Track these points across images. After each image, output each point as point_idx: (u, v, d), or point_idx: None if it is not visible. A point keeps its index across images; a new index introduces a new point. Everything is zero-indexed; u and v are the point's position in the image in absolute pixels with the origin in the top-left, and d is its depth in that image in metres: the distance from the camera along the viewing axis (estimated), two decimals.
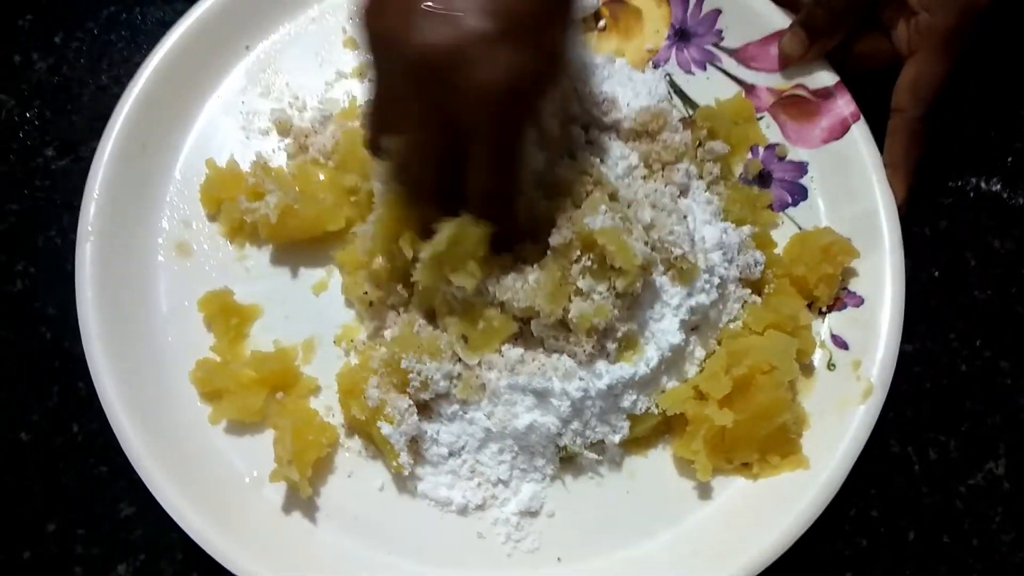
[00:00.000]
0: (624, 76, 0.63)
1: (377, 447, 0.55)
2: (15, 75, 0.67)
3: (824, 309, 0.60)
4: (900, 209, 0.60)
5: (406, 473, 0.54)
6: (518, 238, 0.53)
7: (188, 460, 0.54)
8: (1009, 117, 0.68)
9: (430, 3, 0.43)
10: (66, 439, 0.58)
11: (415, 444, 0.55)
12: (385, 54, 0.45)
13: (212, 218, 0.61)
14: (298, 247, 0.60)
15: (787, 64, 0.64)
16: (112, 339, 0.55)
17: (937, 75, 0.59)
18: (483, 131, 0.46)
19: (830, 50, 0.63)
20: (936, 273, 0.64)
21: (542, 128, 0.50)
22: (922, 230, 0.65)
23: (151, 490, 0.52)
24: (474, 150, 0.46)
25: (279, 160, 0.63)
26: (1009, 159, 0.67)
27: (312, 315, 0.59)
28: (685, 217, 0.57)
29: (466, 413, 0.55)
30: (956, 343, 0.63)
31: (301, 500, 0.54)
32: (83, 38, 0.68)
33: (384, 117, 0.49)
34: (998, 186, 0.66)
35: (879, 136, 0.62)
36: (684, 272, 0.55)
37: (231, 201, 0.59)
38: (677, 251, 0.54)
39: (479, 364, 0.54)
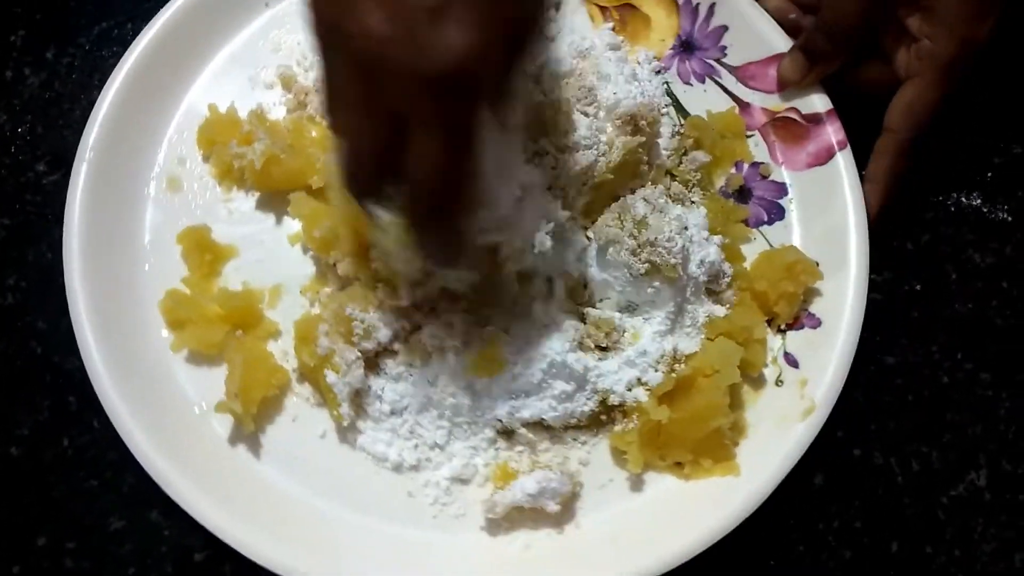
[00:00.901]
0: (629, 69, 0.64)
1: (322, 395, 0.57)
2: (7, 90, 0.67)
3: (783, 327, 0.61)
4: (870, 222, 0.61)
5: (345, 424, 0.56)
6: (464, 257, 0.48)
7: (144, 382, 0.57)
8: (990, 132, 0.69)
9: None
10: (56, 453, 0.59)
11: (358, 398, 0.57)
12: (326, 39, 0.41)
13: (206, 159, 0.64)
14: (282, 197, 0.61)
15: (784, 87, 0.65)
16: (92, 258, 0.58)
17: (932, 100, 0.60)
18: (426, 122, 0.40)
19: (829, 75, 0.64)
20: (918, 287, 0.65)
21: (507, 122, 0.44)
22: (904, 244, 0.66)
23: (103, 405, 0.55)
24: (415, 146, 0.40)
25: (278, 113, 0.65)
26: (989, 174, 0.68)
27: (284, 263, 0.62)
28: (686, 228, 0.58)
29: (411, 376, 0.57)
30: (938, 355, 0.63)
31: (245, 436, 0.57)
32: (75, 53, 0.69)
33: (334, 108, 0.43)
34: (978, 200, 0.68)
35: (862, 161, 0.63)
36: (666, 278, 0.56)
37: (223, 145, 0.61)
38: (672, 260, 0.55)
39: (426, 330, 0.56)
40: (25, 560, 0.57)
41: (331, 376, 0.55)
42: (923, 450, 0.61)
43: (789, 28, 0.66)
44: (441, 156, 0.40)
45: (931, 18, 0.59)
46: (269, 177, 0.61)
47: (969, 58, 0.59)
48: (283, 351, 0.59)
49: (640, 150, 0.60)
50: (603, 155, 0.59)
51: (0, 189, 0.65)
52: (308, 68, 0.66)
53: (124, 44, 0.67)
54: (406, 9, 0.38)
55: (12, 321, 0.61)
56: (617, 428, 0.57)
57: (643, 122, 0.60)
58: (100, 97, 0.61)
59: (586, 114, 0.59)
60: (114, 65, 0.66)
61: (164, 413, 0.56)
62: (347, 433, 0.58)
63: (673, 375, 0.56)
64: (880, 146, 0.62)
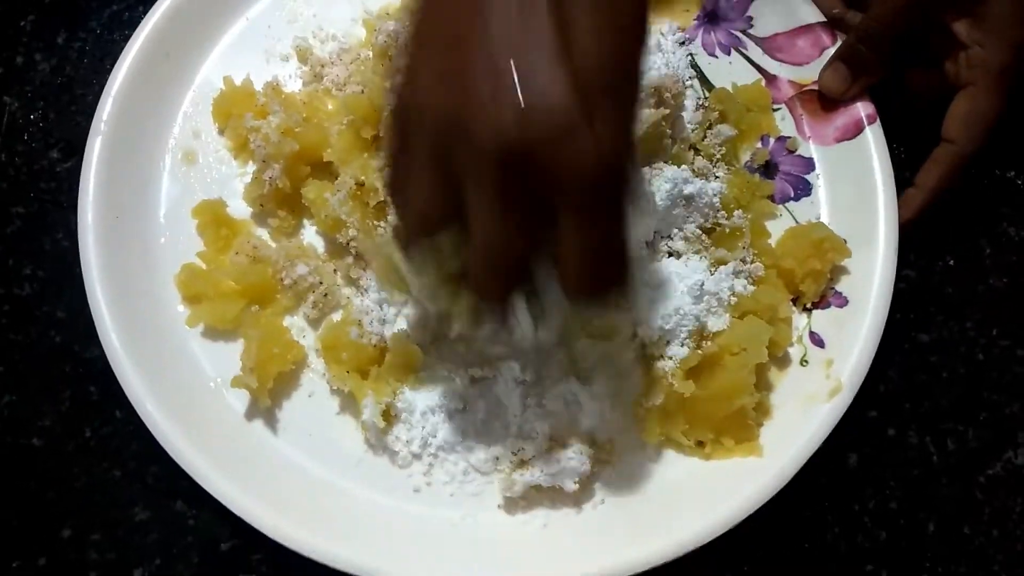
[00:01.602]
0: (653, 40, 0.62)
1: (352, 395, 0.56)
2: (18, 77, 0.66)
3: (808, 305, 0.60)
4: (904, 224, 0.59)
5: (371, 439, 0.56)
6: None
7: (161, 356, 0.56)
8: (1022, 102, 0.67)
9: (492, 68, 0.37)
10: (78, 444, 0.58)
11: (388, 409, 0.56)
12: (440, 137, 0.39)
13: (221, 132, 0.63)
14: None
15: (827, 97, 0.63)
16: (106, 232, 0.58)
17: (990, 110, 0.58)
18: (581, 213, 0.39)
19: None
20: (951, 262, 0.64)
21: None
22: (937, 218, 0.64)
23: (119, 378, 0.54)
24: (568, 233, 0.40)
25: (294, 86, 0.65)
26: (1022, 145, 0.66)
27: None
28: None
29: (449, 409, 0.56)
30: (973, 332, 0.62)
31: (260, 410, 0.56)
32: (86, 38, 0.68)
33: (424, 207, 0.42)
34: (1012, 173, 0.66)
35: (892, 139, 0.61)
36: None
37: (238, 117, 0.61)
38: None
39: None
40: (51, 552, 0.56)
41: (368, 408, 0.54)
42: (959, 429, 0.60)
43: (834, 22, 0.64)
44: (607, 243, 0.41)
45: (981, 24, 0.57)
46: (284, 150, 0.59)
47: (1022, 65, 0.58)
48: (300, 328, 0.59)
49: (663, 123, 0.59)
50: None
51: (14, 177, 0.64)
52: (324, 40, 0.66)
53: (135, 27, 0.66)
54: (551, 110, 0.36)
55: (30, 311, 0.61)
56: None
57: (667, 95, 0.59)
58: (114, 70, 0.61)
59: None
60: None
61: (179, 386, 0.56)
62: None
63: (699, 352, 0.55)
64: (937, 156, 0.60)
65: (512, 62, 0.36)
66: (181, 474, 0.54)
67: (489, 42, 0.37)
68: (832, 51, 0.64)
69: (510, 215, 0.39)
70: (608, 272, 0.42)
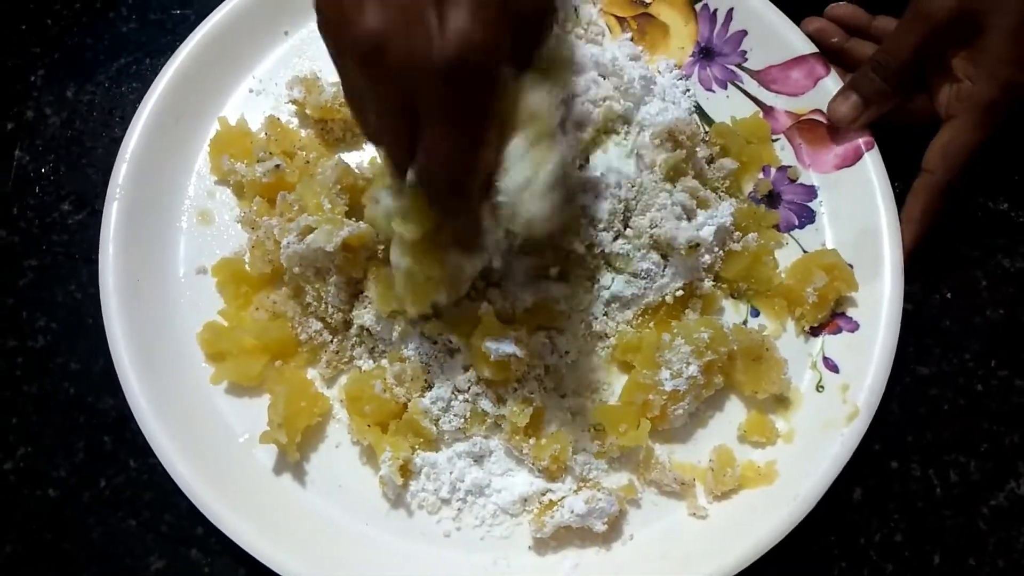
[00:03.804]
0: (658, 87, 0.64)
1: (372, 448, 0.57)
2: (29, 131, 0.67)
3: (811, 327, 0.61)
4: (904, 258, 0.61)
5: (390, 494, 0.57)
6: (476, 236, 0.49)
7: (187, 416, 0.57)
8: (1014, 135, 0.68)
9: None
10: (93, 494, 0.59)
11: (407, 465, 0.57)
12: (334, 40, 0.42)
13: (220, 180, 0.64)
14: None
15: (837, 126, 0.64)
16: (128, 296, 0.58)
17: (970, 143, 0.60)
18: (435, 111, 0.41)
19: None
20: (948, 295, 0.65)
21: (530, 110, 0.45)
22: (932, 251, 0.65)
23: (149, 441, 0.55)
24: (425, 132, 0.42)
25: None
26: (1016, 177, 0.68)
27: None
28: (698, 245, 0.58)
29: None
30: (971, 363, 0.63)
31: (288, 464, 0.57)
32: (94, 91, 0.69)
33: (354, 111, 0.46)
34: (1005, 205, 0.67)
35: (891, 166, 0.63)
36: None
37: (233, 161, 0.62)
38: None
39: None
40: None
41: (386, 466, 0.55)
42: (961, 460, 0.61)
43: (831, 52, 0.66)
44: (451, 144, 0.42)
45: (976, 59, 0.59)
46: (280, 189, 0.61)
47: (1011, 103, 0.59)
48: (323, 377, 0.60)
49: (684, 164, 0.61)
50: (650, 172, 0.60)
51: (26, 230, 0.65)
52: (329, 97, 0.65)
53: (143, 79, 0.68)
54: (407, 4, 0.38)
55: (44, 363, 0.62)
56: None
57: (682, 136, 0.61)
58: (127, 134, 0.62)
59: (616, 132, 0.60)
60: (134, 101, 0.66)
61: (208, 444, 0.56)
62: None
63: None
64: (917, 186, 0.62)
65: None
66: (196, 522, 0.55)
67: None
68: (826, 80, 0.65)
69: (384, 116, 0.42)
70: (455, 175, 0.43)
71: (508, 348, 0.54)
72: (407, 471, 0.56)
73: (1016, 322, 0.64)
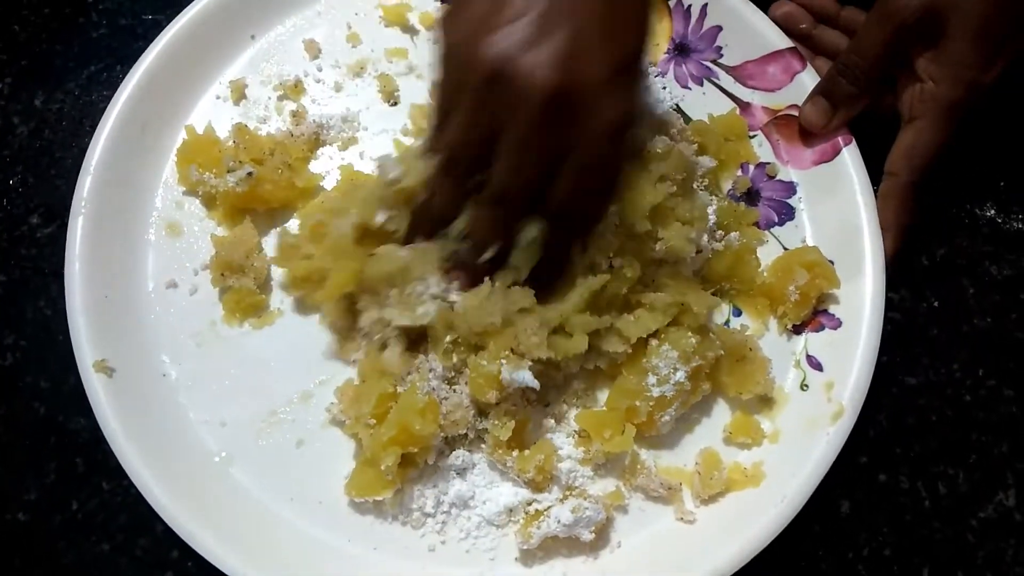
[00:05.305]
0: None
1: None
2: None
3: (793, 326, 0.60)
4: (887, 265, 0.60)
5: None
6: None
7: (160, 435, 0.56)
8: (1001, 140, 0.68)
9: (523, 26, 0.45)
10: (65, 518, 0.57)
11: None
12: (481, 84, 0.46)
13: (188, 191, 0.63)
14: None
15: (808, 133, 0.64)
16: (96, 312, 0.57)
17: (933, 144, 0.59)
18: (594, 163, 0.49)
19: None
20: (935, 303, 0.64)
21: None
22: (919, 259, 0.65)
23: (121, 462, 0.54)
24: (576, 176, 0.49)
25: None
26: (1002, 183, 0.67)
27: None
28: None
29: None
30: (959, 373, 0.62)
31: (266, 482, 0.56)
32: (64, 99, 0.67)
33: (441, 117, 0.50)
34: (992, 211, 0.66)
35: (870, 161, 0.62)
36: None
37: (201, 171, 0.60)
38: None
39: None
40: None
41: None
42: (949, 472, 0.60)
43: (798, 37, 0.65)
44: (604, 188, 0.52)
45: (939, 60, 0.58)
46: (253, 199, 0.60)
47: (973, 103, 0.59)
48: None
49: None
50: None
51: None
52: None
53: (113, 87, 0.66)
54: (594, 67, 0.46)
55: (13, 382, 0.60)
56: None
57: (674, 130, 0.60)
58: (90, 146, 0.60)
59: None
60: (104, 110, 0.64)
61: (182, 465, 0.55)
62: None
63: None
64: (884, 191, 0.61)
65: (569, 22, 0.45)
66: (172, 546, 0.54)
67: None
68: (802, 75, 0.64)
69: (536, 152, 0.47)
70: (594, 211, 0.53)
71: (526, 379, 0.53)
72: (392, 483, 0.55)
73: (1003, 331, 0.63)
